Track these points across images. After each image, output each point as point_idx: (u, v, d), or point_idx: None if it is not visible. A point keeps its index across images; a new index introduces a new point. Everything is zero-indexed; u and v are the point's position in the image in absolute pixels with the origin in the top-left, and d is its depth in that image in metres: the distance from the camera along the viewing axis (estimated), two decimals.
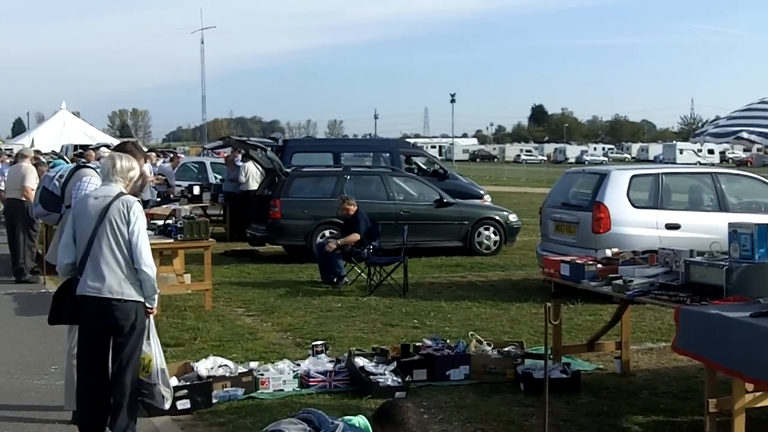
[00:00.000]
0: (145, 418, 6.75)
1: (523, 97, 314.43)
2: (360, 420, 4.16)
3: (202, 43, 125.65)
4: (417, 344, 8.78)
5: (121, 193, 6.24)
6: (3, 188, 16.86)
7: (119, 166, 6.35)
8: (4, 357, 9.35)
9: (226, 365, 7.91)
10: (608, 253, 8.25)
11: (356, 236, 13.85)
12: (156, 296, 6.21)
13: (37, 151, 22.98)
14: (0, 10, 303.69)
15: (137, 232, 6.09)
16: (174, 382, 7.32)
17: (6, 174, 17.49)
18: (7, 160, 26.00)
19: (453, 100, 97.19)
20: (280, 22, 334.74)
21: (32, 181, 14.73)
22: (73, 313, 6.29)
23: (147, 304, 6.15)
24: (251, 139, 23.13)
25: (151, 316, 6.20)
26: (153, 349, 6.22)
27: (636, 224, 12.28)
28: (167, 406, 6.34)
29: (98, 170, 7.16)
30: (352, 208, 14.23)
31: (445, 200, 17.78)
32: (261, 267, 16.23)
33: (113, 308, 6.06)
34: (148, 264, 6.07)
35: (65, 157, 27.06)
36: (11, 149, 43.92)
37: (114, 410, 6.20)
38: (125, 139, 7.79)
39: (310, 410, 4.15)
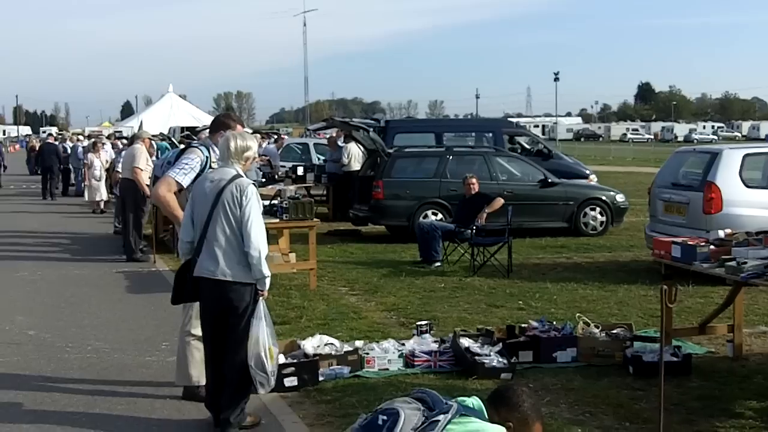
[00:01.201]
0: (254, 394, 6.83)
1: (629, 75, 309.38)
2: (474, 401, 4.10)
3: (305, 26, 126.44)
4: (522, 325, 8.70)
5: (237, 176, 6.21)
6: (119, 169, 17.41)
7: (234, 147, 6.28)
8: (116, 334, 9.59)
9: (332, 343, 7.94)
10: (721, 234, 8.01)
11: (500, 200, 14.10)
12: (267, 280, 6.14)
13: None
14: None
15: (248, 215, 6.06)
16: (281, 359, 7.40)
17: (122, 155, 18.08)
18: (119, 144, 26.76)
19: (557, 79, 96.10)
20: (381, 5, 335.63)
21: (141, 162, 15.16)
22: (194, 293, 6.39)
23: (258, 287, 6.15)
24: (354, 120, 23.21)
25: (261, 299, 6.16)
26: (253, 332, 6.09)
27: (749, 204, 11.93)
28: (261, 390, 6.20)
29: (201, 148, 7.16)
30: (476, 186, 14.35)
31: (549, 180, 17.57)
32: (364, 247, 16.32)
33: (227, 290, 6.12)
34: (257, 247, 6.03)
35: (173, 139, 27.66)
36: (120, 131, 45.19)
37: (226, 387, 6.29)
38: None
39: (425, 390, 4.10)
